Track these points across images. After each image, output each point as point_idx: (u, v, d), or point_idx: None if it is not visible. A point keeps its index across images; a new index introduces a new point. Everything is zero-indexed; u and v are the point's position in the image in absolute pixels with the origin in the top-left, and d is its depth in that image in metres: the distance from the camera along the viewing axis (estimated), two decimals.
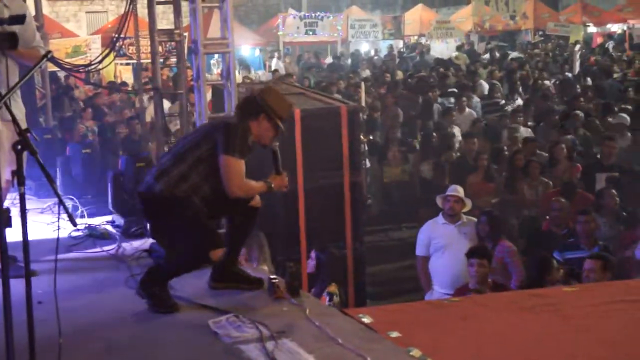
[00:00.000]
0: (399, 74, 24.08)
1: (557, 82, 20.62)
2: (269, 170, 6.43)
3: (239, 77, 16.18)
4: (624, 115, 14.54)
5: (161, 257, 7.01)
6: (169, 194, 6.05)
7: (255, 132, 6.17)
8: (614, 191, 9.94)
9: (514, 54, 28.64)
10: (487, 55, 29.94)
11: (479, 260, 8.14)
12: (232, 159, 6.02)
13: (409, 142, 14.18)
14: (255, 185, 6.21)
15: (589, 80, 20.99)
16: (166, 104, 14.26)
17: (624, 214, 10.01)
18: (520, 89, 19.93)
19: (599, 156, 12.10)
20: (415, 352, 5.33)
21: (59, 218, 6.16)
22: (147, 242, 7.67)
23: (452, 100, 17.90)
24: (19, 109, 6.74)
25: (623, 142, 13.15)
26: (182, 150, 6.20)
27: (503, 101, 18.16)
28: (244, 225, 6.50)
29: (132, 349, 5.53)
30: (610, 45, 31.71)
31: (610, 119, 14.74)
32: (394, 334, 5.65)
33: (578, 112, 14.95)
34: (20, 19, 6.32)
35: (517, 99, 18.60)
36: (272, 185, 6.24)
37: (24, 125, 5.04)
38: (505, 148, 13.12)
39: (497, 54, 28.98)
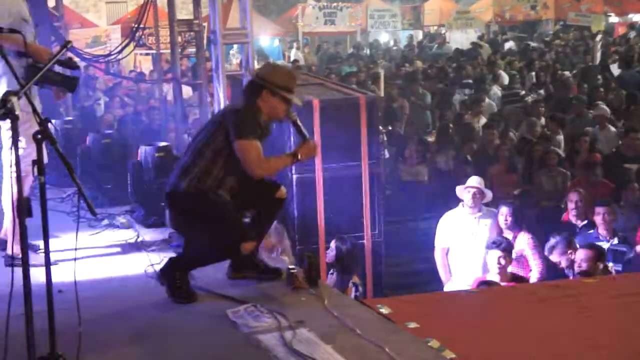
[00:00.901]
0: (419, 65, 24.01)
1: (578, 72, 20.53)
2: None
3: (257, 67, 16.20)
4: (604, 106, 14.51)
5: (180, 247, 7.04)
6: (195, 189, 6.06)
7: (265, 110, 6.16)
8: (636, 184, 9.89)
9: (534, 45, 28.52)
10: (509, 45, 29.85)
11: (500, 252, 8.13)
12: (245, 142, 6.02)
13: (425, 141, 13.98)
14: (277, 160, 6.35)
15: (611, 71, 20.87)
16: (187, 90, 14.30)
17: None
18: (540, 79, 19.84)
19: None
20: (434, 343, 5.34)
21: (78, 208, 6.19)
22: (166, 232, 7.71)
23: (466, 91, 17.86)
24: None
25: (605, 133, 13.29)
26: (200, 146, 6.18)
27: (523, 92, 18.09)
28: (268, 216, 6.49)
29: (151, 337, 5.56)
30: (632, 35, 31.53)
31: (591, 111, 14.78)
32: (412, 325, 5.66)
33: (602, 104, 14.92)
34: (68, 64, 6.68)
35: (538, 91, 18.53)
36: (299, 155, 6.23)
37: None
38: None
39: (515, 45, 28.91)
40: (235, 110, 6.29)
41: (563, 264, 8.29)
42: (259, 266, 6.46)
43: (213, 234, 6.13)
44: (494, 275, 8.11)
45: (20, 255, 6.56)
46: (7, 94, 4.22)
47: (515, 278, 8.17)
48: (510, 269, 8.30)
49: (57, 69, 6.75)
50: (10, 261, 6.38)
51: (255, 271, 6.42)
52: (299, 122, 6.30)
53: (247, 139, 6.02)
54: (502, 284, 7.91)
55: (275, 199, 6.33)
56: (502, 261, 8.07)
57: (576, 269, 7.74)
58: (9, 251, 6.71)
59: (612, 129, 13.57)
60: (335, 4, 29.70)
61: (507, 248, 8.23)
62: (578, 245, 8.31)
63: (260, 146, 6.05)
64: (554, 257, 8.44)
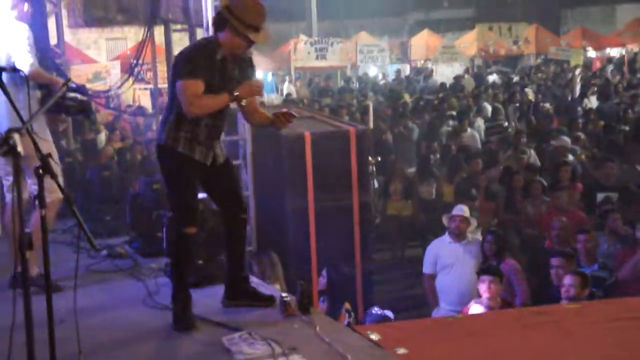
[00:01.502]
0: (406, 97, 24.10)
1: (558, 105, 20.60)
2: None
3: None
4: (565, 137, 14.61)
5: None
6: (171, 144, 6.00)
7: (225, 44, 5.92)
8: (618, 214, 9.87)
9: (516, 78, 28.66)
10: (492, 78, 29.99)
11: (491, 278, 8.11)
12: (181, 82, 5.87)
13: (408, 177, 13.90)
14: (213, 99, 5.93)
15: (590, 103, 20.96)
16: None
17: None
18: (523, 111, 19.91)
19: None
20: None
21: (78, 240, 6.17)
22: (163, 262, 7.68)
23: (451, 123, 17.90)
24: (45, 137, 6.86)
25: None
26: (171, 96, 6.18)
27: (506, 123, 18.13)
28: (236, 238, 6.39)
29: None
30: (609, 69, 31.74)
31: (552, 142, 14.82)
32: (401, 351, 5.65)
33: (580, 134, 15.00)
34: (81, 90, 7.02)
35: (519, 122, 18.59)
36: (238, 94, 5.93)
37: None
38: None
39: (498, 79, 29.06)
40: (179, 52, 6.19)
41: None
42: (252, 294, 6.40)
43: (170, 200, 6.24)
44: (484, 301, 8.09)
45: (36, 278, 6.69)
46: (9, 130, 4.21)
47: (505, 303, 8.14)
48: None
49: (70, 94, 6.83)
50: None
51: (248, 299, 6.36)
52: (252, 62, 6.13)
53: (183, 79, 5.87)
54: (494, 309, 7.90)
55: (239, 219, 6.32)
56: (493, 286, 8.05)
57: (563, 294, 7.72)
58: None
59: (571, 157, 13.56)
60: (326, 40, 29.79)
61: (497, 274, 8.21)
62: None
63: (197, 86, 5.84)
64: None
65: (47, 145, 6.88)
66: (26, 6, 7.13)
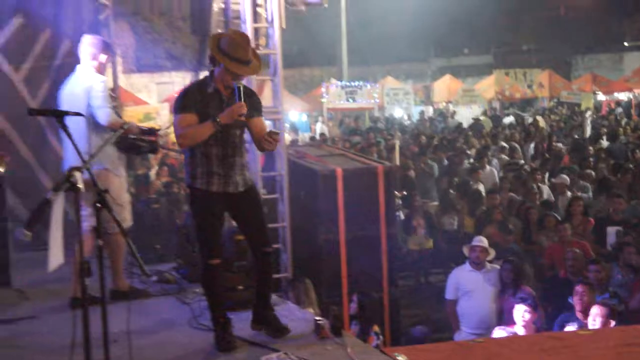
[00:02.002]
0: (424, 137, 24.11)
1: (570, 144, 20.51)
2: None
3: (288, 138, 16.37)
4: (564, 175, 14.56)
5: None
6: (191, 182, 6.05)
7: (217, 78, 5.92)
8: (633, 247, 9.76)
9: (530, 119, 28.56)
10: (509, 119, 29.92)
11: (526, 307, 8.03)
12: (174, 117, 5.98)
13: (429, 214, 13.76)
14: (197, 128, 5.83)
15: (601, 143, 20.86)
16: None
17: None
18: (538, 150, 19.83)
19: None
20: None
21: (132, 265, 6.23)
22: None
23: (471, 161, 17.85)
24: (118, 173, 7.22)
25: (563, 200, 13.28)
26: None
27: (522, 161, 18.04)
28: (262, 270, 6.29)
29: None
30: (618, 111, 31.60)
31: (553, 179, 14.86)
32: None
33: (592, 173, 14.94)
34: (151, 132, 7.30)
35: (535, 160, 18.50)
36: (218, 119, 5.78)
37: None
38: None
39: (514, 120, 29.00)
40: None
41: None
42: (270, 322, 6.26)
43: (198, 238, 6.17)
44: (519, 328, 8.00)
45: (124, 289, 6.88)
46: (71, 169, 4.25)
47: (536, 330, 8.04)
48: None
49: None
50: (113, 295, 6.86)
51: (266, 325, 6.25)
52: (238, 90, 5.86)
53: (175, 114, 5.97)
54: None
55: (260, 251, 6.19)
56: (527, 315, 7.96)
57: (590, 323, 7.62)
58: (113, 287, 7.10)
59: (569, 194, 13.58)
60: (355, 84, 29.91)
61: (532, 304, 8.14)
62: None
63: (186, 117, 5.84)
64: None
65: (119, 180, 7.19)
66: (104, 57, 7.26)
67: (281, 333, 6.14)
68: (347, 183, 8.84)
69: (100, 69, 7.26)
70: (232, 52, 5.79)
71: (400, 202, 13.34)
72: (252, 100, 6.09)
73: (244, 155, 6.17)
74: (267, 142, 5.88)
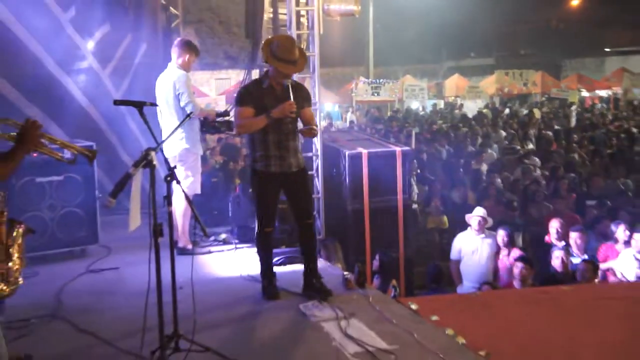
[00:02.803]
0: (441, 125, 23.93)
1: (557, 133, 20.27)
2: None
3: (323, 124, 16.42)
4: (536, 158, 14.70)
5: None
6: (252, 165, 6.06)
7: (271, 75, 5.91)
8: (608, 221, 9.67)
9: (525, 112, 28.25)
10: (507, 111, 29.63)
11: (524, 264, 8.02)
12: (234, 110, 6.09)
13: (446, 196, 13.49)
14: (253, 121, 5.86)
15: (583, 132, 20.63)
16: None
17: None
18: (529, 137, 19.63)
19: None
20: (450, 331, 5.32)
21: (195, 228, 6.30)
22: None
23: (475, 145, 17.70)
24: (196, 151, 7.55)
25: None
26: None
27: (518, 147, 17.86)
28: (305, 239, 6.19)
29: (244, 322, 5.63)
30: (598, 106, 31.22)
31: (525, 160, 14.68)
32: (434, 318, 5.65)
33: (575, 156, 14.80)
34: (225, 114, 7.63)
35: (528, 145, 18.31)
36: (272, 113, 5.79)
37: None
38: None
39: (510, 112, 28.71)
40: None
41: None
42: (316, 286, 6.14)
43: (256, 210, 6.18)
44: (517, 283, 7.99)
45: (189, 247, 7.17)
46: (148, 149, 4.32)
47: (530, 285, 8.00)
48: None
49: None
50: (180, 251, 6.88)
51: (316, 292, 6.08)
52: (289, 88, 5.83)
53: (235, 108, 6.02)
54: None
55: (304, 223, 6.12)
56: (524, 271, 7.94)
57: (578, 277, 7.60)
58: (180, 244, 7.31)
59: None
60: (379, 81, 29.70)
61: (529, 262, 8.09)
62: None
63: (243, 110, 5.86)
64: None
65: (196, 157, 7.40)
66: (188, 57, 7.38)
67: (327, 295, 6.00)
68: (371, 163, 8.82)
69: (185, 66, 7.40)
70: (280, 54, 5.75)
71: (415, 179, 13.25)
72: (303, 93, 6.06)
73: (297, 139, 6.14)
74: (306, 134, 5.99)
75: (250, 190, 6.32)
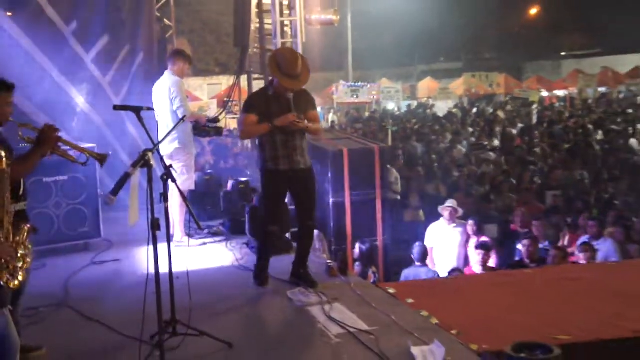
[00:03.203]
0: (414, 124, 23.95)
1: (520, 130, 20.36)
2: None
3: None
4: (492, 154, 14.85)
5: (254, 247, 7.08)
6: (263, 165, 5.93)
7: (275, 86, 5.77)
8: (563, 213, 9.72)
9: (491, 110, 28.35)
10: (475, 110, 29.75)
11: (482, 251, 8.06)
12: (240, 116, 6.03)
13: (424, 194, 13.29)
14: (256, 127, 5.77)
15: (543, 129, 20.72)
16: None
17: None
18: (494, 134, 19.68)
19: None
20: (424, 313, 5.34)
21: (190, 222, 6.28)
22: (245, 238, 7.74)
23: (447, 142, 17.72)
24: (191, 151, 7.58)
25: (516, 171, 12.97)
26: None
27: (486, 142, 17.88)
28: (304, 237, 6.11)
29: (237, 308, 5.63)
30: (557, 104, 31.40)
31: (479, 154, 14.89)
32: (410, 300, 5.67)
33: (537, 150, 14.85)
34: (215, 120, 7.72)
35: (494, 141, 18.36)
36: (275, 122, 5.69)
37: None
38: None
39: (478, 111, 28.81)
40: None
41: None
42: (304, 277, 6.04)
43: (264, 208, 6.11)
44: (477, 267, 8.01)
45: (184, 239, 7.10)
46: (145, 150, 4.30)
47: (489, 268, 8.06)
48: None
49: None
50: (176, 244, 6.95)
51: (303, 281, 6.01)
52: (290, 101, 5.70)
53: (241, 113, 5.96)
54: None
55: (305, 225, 6.02)
56: (485, 258, 7.98)
57: (549, 261, 7.62)
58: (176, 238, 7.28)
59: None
60: (358, 84, 29.69)
61: (488, 249, 8.16)
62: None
63: (248, 119, 5.75)
64: None
65: (190, 156, 7.36)
66: (181, 65, 7.40)
67: (313, 285, 5.92)
68: (351, 159, 8.79)
69: (179, 73, 7.40)
70: (285, 69, 5.64)
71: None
72: (307, 98, 5.96)
73: (303, 139, 5.97)
74: (293, 125, 5.75)
75: (261, 188, 6.17)
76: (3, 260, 3.63)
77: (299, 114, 5.75)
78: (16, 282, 3.77)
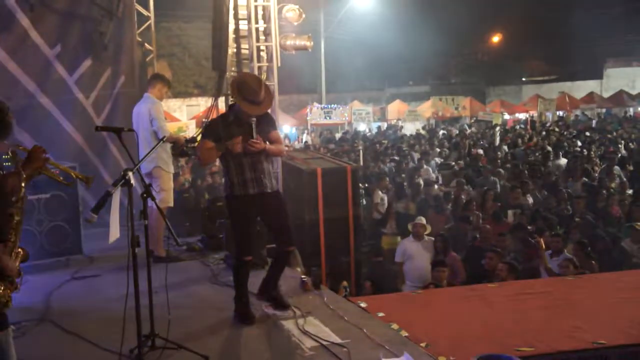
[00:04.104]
0: (384, 144, 24.04)
1: (484, 150, 20.54)
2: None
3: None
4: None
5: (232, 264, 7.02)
6: (230, 192, 5.52)
7: (238, 110, 5.39)
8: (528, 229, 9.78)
9: (456, 132, 28.60)
10: (442, 132, 30.01)
11: (441, 268, 8.10)
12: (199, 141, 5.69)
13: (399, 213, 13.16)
14: (210, 151, 5.38)
15: (505, 149, 20.95)
16: None
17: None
18: (461, 154, 19.81)
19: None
20: (395, 326, 5.35)
21: (168, 238, 6.20)
22: (223, 254, 7.69)
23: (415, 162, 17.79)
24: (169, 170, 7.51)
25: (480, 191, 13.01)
26: None
27: (453, 163, 17.97)
28: (280, 262, 5.74)
29: (213, 322, 5.57)
30: (517, 126, 31.82)
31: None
32: (380, 314, 5.68)
33: (501, 170, 14.96)
34: (193, 140, 7.54)
35: (460, 162, 18.46)
36: (227, 144, 5.31)
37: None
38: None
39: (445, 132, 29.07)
40: None
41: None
42: (275, 299, 5.75)
43: (233, 239, 5.64)
44: (438, 283, 8.02)
45: (163, 255, 7.07)
46: (125, 170, 4.27)
47: (449, 284, 8.10)
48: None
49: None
50: (155, 259, 6.68)
51: (274, 302, 5.74)
52: (252, 125, 5.33)
53: (201, 139, 5.58)
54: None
55: (284, 251, 5.66)
56: (443, 274, 8.00)
57: (495, 277, 7.65)
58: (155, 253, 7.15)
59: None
60: (331, 106, 29.80)
61: (445, 265, 8.19)
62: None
63: (204, 142, 5.38)
64: None
65: (168, 175, 7.38)
66: (160, 87, 7.36)
67: (284, 308, 5.66)
68: (325, 178, 8.80)
69: (158, 95, 7.39)
70: (247, 94, 5.29)
71: (363, 191, 13.26)
72: (267, 119, 5.58)
73: (269, 162, 5.65)
74: (252, 146, 5.39)
75: (229, 218, 5.82)
76: (11, 278, 3.60)
77: (262, 138, 5.44)
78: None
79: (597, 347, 5.03)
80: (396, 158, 18.48)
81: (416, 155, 19.06)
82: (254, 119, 5.36)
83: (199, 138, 9.47)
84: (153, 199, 4.44)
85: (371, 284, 8.49)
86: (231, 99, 5.86)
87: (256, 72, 9.50)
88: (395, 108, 33.95)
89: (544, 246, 8.14)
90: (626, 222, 10.59)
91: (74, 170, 4.69)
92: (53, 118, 9.08)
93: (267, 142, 5.55)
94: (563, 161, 16.68)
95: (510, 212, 11.19)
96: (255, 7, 9.67)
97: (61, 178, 4.64)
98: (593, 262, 8.39)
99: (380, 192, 13.16)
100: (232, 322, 5.48)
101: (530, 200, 12.18)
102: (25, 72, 8.60)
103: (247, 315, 5.50)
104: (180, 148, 7.51)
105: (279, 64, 9.68)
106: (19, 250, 4.12)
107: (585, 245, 8.62)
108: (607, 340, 5.09)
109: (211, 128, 5.58)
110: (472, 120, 34.48)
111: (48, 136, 8.83)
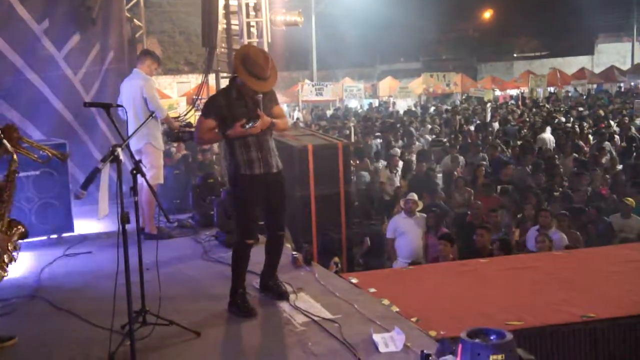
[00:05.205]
0: (376, 118, 24.01)
1: (475, 127, 20.53)
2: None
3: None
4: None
5: (223, 240, 7.02)
6: (235, 171, 5.15)
7: (238, 86, 5.04)
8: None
9: (448, 108, 28.56)
10: (433, 108, 29.98)
11: (445, 242, 8.08)
12: (197, 119, 5.29)
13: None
14: (211, 134, 5.13)
15: (496, 126, 20.95)
16: None
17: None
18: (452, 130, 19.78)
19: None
20: (385, 301, 5.35)
21: (159, 215, 6.19)
22: (214, 230, 7.67)
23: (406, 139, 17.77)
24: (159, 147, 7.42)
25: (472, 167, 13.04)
26: None
27: (445, 139, 17.93)
28: (273, 248, 5.44)
29: (204, 298, 5.56)
30: (509, 103, 31.80)
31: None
32: (372, 290, 5.68)
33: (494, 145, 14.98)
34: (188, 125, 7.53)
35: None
36: (229, 133, 5.01)
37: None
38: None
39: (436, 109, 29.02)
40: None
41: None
42: (273, 289, 5.45)
43: (235, 220, 5.37)
44: (442, 257, 8.00)
45: (154, 232, 7.01)
46: (114, 146, 4.22)
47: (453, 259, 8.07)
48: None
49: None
50: (146, 236, 6.87)
51: (272, 292, 5.45)
52: (259, 102, 5.03)
53: (199, 116, 5.21)
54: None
55: (275, 235, 5.38)
56: (446, 248, 7.99)
57: (495, 252, 7.66)
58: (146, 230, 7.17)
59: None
60: (322, 82, 29.68)
61: (450, 240, 8.15)
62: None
63: (204, 122, 5.06)
64: None
65: (158, 151, 7.36)
66: (150, 64, 7.28)
67: (282, 297, 5.36)
68: (316, 155, 8.77)
69: (148, 72, 7.32)
70: (252, 70, 4.90)
71: (353, 168, 13.22)
72: (270, 95, 5.20)
73: (272, 140, 5.30)
74: (277, 128, 5.20)
75: (232, 199, 5.49)
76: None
77: (266, 114, 5.08)
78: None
79: (586, 320, 5.05)
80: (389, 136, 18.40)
81: (415, 132, 18.98)
82: (260, 95, 5.05)
83: (190, 118, 9.42)
84: (143, 175, 4.40)
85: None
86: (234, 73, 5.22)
87: None
88: (387, 85, 33.88)
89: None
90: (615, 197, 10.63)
91: (63, 147, 4.64)
92: (41, 94, 8.97)
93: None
94: (547, 135, 16.68)
95: (501, 189, 11.20)
96: None
97: (35, 156, 4.59)
98: (578, 233, 8.45)
99: (387, 172, 13.15)
100: (223, 297, 5.46)
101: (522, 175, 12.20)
102: (13, 48, 8.46)
103: (245, 308, 5.12)
104: (176, 134, 7.48)
105: (270, 40, 9.61)
106: (19, 226, 4.10)
107: (567, 217, 8.69)
108: (596, 314, 5.12)
109: (212, 106, 5.14)
110: (463, 97, 34.44)
111: (36, 113, 8.75)
